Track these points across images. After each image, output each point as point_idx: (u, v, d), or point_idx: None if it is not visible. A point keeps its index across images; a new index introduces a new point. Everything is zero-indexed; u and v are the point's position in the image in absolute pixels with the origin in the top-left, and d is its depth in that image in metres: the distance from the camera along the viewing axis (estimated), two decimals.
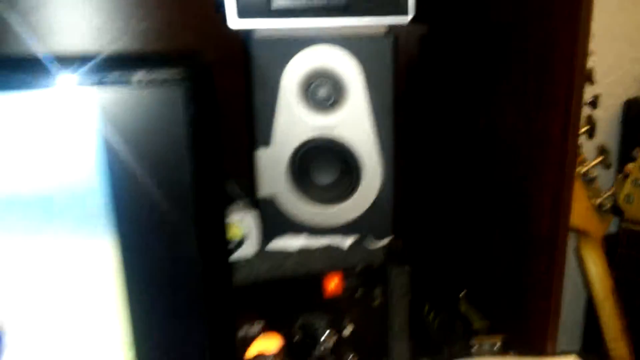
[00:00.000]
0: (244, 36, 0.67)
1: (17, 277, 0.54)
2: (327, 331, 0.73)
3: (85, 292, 0.57)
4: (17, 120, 0.48)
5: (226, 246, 0.66)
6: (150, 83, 0.47)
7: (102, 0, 0.79)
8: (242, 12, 0.63)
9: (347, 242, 0.71)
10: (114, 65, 0.49)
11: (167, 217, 0.58)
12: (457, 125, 0.87)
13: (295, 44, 0.64)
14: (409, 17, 0.64)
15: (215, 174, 0.60)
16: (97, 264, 0.56)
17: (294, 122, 0.67)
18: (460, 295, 0.84)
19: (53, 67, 0.47)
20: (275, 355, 0.71)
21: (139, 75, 0.46)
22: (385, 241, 0.72)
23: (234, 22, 0.63)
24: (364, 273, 0.72)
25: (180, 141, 0.51)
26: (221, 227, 0.64)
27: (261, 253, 0.70)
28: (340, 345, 0.73)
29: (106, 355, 0.58)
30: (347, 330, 0.73)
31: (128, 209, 0.56)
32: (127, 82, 0.47)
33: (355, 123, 0.67)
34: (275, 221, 0.70)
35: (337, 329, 0.73)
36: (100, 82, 0.47)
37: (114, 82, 0.47)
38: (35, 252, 0.55)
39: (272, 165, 0.68)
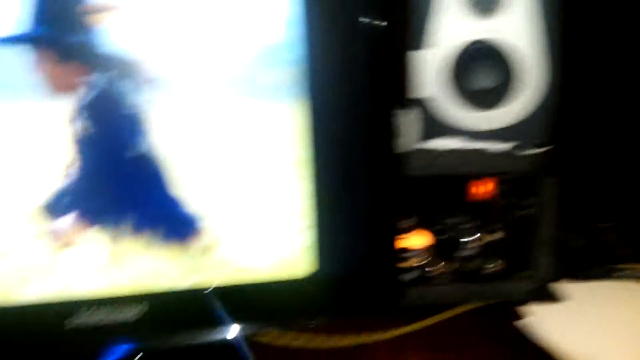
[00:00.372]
0: None
1: (209, 143, 0.63)
2: (475, 234, 0.75)
3: (273, 156, 0.64)
4: None
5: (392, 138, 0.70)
6: None
7: None
8: None
9: (502, 147, 0.72)
10: None
11: (354, 88, 0.64)
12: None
13: None
14: None
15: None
16: (287, 128, 0.63)
17: (454, 24, 0.68)
18: (607, 224, 0.80)
19: None
20: (424, 252, 0.75)
21: None
22: (541, 150, 0.71)
23: None
24: (516, 180, 0.72)
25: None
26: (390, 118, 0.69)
27: (417, 151, 0.73)
28: (487, 249, 0.75)
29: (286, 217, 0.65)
30: (495, 236, 0.74)
31: (321, 75, 0.62)
32: None
33: (518, 26, 0.66)
34: (430, 123, 0.72)
35: (485, 233, 0.74)
36: None
37: None
38: (229, 116, 0.62)
39: (430, 67, 0.70)
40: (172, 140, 0.60)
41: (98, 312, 0.62)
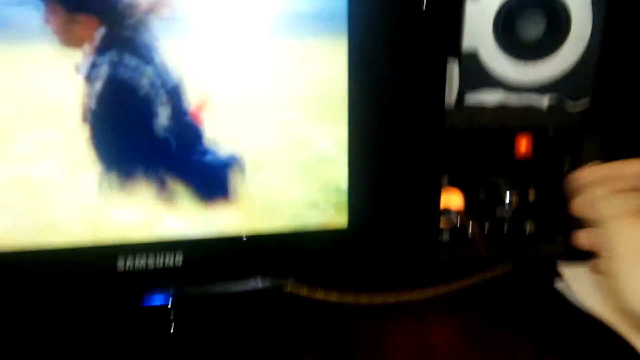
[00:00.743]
0: None
1: (244, 87, 0.58)
2: (511, 193, 0.72)
3: (314, 93, 0.60)
4: None
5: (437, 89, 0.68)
6: None
7: None
8: None
9: (544, 101, 0.70)
10: None
11: (401, 34, 0.60)
12: None
13: None
14: None
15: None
16: (326, 70, 0.59)
17: None
18: None
19: None
20: (458, 212, 0.72)
21: None
22: (583, 104, 0.70)
23: None
24: (557, 136, 0.71)
25: None
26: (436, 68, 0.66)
27: (457, 104, 0.70)
28: (522, 209, 0.73)
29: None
30: (531, 195, 0.72)
31: (364, 14, 0.59)
32: None
33: None
34: (474, 75, 0.70)
35: (522, 192, 0.72)
36: None
37: None
38: (273, 53, 0.58)
39: (478, 18, 0.68)
40: (205, 86, 0.55)
41: (144, 258, 0.59)
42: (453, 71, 0.69)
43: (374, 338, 0.63)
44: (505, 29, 0.68)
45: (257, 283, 0.64)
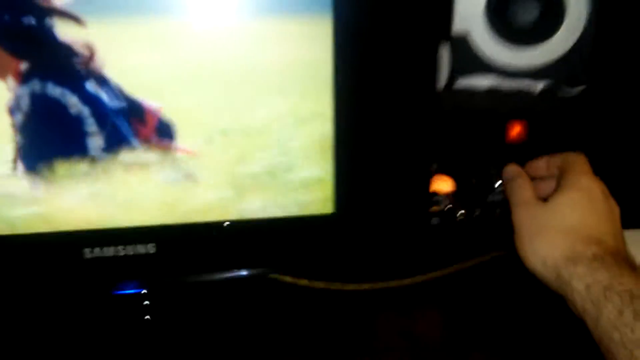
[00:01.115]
0: None
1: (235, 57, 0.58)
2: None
3: (298, 74, 0.60)
4: None
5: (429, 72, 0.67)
6: None
7: None
8: None
9: (538, 87, 0.69)
10: None
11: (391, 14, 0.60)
12: None
13: None
14: None
15: None
16: (313, 46, 0.59)
17: None
18: None
19: None
20: (448, 196, 0.72)
21: None
22: (577, 90, 0.69)
23: None
24: (550, 121, 0.70)
25: None
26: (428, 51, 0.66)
27: (447, 88, 0.70)
28: None
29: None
30: None
31: None
32: None
33: None
34: (465, 58, 0.69)
35: None
36: None
37: None
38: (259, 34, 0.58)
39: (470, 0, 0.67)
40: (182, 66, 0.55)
41: (113, 245, 0.59)
42: (443, 55, 0.68)
43: (363, 324, 0.64)
44: (498, 12, 0.67)
45: (239, 272, 0.64)
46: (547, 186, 0.60)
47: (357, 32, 0.60)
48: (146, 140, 0.57)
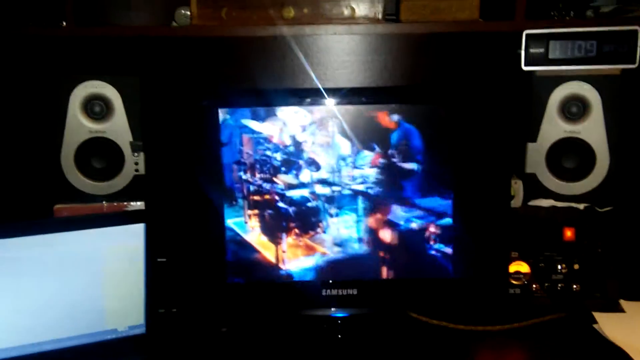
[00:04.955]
0: (529, 74, 1.14)
1: None
2: (561, 265, 1.11)
3: None
4: None
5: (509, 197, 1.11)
6: None
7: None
8: (529, 62, 1.10)
9: (580, 206, 1.11)
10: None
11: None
12: None
13: (559, 79, 1.10)
14: (635, 64, 1.06)
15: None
16: None
17: (552, 127, 1.11)
18: None
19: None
20: (526, 274, 1.11)
21: None
22: (607, 209, 1.10)
23: (525, 66, 1.11)
24: (591, 228, 1.10)
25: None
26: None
27: (523, 206, 1.13)
28: (569, 276, 1.10)
29: None
30: (575, 267, 1.10)
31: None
32: None
33: (593, 129, 1.09)
34: (533, 189, 1.13)
35: (568, 264, 1.10)
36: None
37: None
38: None
39: (536, 153, 1.13)
40: None
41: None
42: (519, 187, 1.12)
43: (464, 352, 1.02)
44: (553, 161, 1.12)
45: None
46: None
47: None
48: None
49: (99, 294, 0.95)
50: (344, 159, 0.98)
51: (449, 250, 1.01)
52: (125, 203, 1.14)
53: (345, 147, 0.98)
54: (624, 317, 1.05)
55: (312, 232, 1.01)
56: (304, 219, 1.00)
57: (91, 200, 1.14)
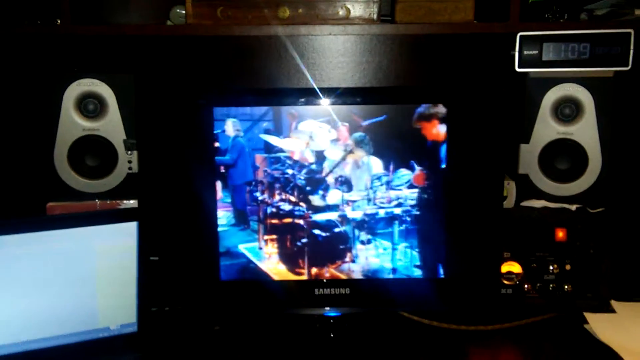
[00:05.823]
0: (523, 75, 1.14)
1: None
2: (553, 266, 1.11)
3: None
4: None
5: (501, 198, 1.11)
6: None
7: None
8: (522, 63, 1.11)
9: (572, 207, 1.12)
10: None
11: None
12: None
13: (552, 81, 1.11)
14: (628, 67, 1.07)
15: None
16: None
17: (545, 128, 1.12)
18: None
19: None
20: (518, 275, 1.12)
21: None
22: (599, 210, 1.11)
23: (519, 68, 1.11)
24: (583, 229, 1.11)
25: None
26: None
27: (515, 207, 1.14)
28: (561, 276, 1.11)
29: None
30: (567, 267, 1.11)
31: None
32: None
33: (586, 131, 1.10)
34: (526, 189, 1.14)
35: (560, 265, 1.11)
36: None
37: None
38: None
39: (529, 154, 1.13)
40: None
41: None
42: (512, 188, 1.13)
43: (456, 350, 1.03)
44: (546, 162, 1.12)
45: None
46: None
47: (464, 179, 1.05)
48: None
49: (92, 292, 0.95)
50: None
51: (441, 250, 1.01)
52: (118, 201, 1.14)
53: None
54: (615, 318, 1.05)
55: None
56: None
57: (84, 198, 1.14)
